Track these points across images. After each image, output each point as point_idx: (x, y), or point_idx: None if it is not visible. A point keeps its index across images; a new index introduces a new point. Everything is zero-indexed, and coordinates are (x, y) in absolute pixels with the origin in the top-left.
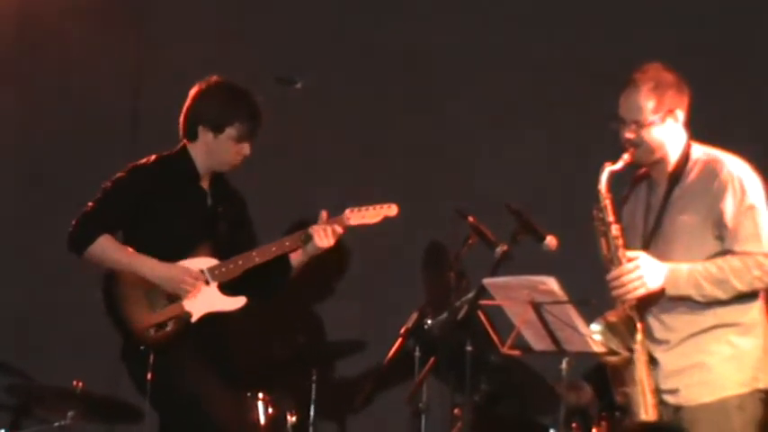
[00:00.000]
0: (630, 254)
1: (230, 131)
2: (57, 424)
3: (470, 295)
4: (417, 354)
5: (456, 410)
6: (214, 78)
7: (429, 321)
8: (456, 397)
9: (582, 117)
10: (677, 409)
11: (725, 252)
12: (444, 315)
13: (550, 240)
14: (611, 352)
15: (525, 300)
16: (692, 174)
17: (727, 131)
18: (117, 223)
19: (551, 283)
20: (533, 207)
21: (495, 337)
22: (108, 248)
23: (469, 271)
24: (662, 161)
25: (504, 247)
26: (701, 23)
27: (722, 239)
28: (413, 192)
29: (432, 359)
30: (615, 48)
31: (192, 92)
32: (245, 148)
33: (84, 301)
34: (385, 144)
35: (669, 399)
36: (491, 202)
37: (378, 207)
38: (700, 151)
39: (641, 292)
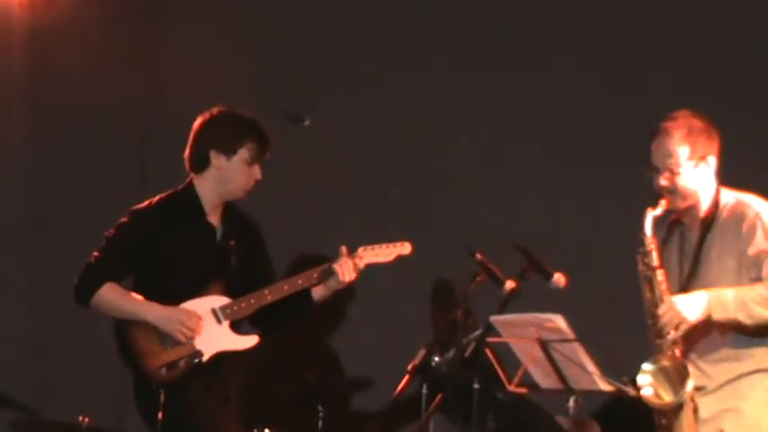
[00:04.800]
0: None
1: (242, 153)
2: None
3: (478, 332)
4: (424, 391)
5: None
6: (216, 108)
7: (436, 358)
8: None
9: (592, 156)
10: None
11: None
12: (452, 352)
13: (558, 278)
14: (658, 396)
15: (532, 337)
16: (723, 219)
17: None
18: (122, 270)
19: (558, 321)
20: (542, 244)
21: (502, 375)
22: (111, 298)
23: (477, 308)
24: (694, 207)
25: (513, 285)
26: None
27: (759, 281)
28: (421, 228)
29: (439, 396)
30: (629, 79)
31: (197, 123)
32: (257, 171)
33: (90, 336)
34: (392, 181)
35: None
36: (499, 239)
37: (391, 245)
38: (729, 196)
39: (683, 327)
